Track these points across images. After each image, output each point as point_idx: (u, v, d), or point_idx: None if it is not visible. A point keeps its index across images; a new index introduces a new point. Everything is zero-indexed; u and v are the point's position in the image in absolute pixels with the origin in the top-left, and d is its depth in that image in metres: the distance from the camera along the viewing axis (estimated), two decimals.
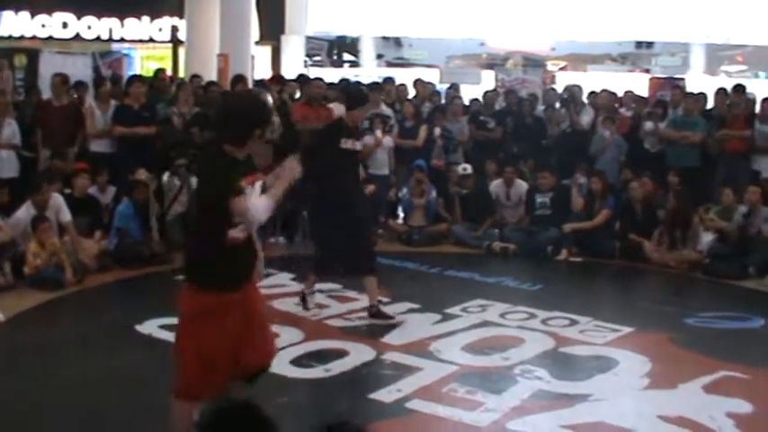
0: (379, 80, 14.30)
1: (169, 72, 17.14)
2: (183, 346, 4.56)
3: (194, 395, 4.42)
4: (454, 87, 14.40)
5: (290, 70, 17.70)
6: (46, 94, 12.26)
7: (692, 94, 12.82)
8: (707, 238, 10.57)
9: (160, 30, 20.05)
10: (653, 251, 10.43)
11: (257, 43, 19.18)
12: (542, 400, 6.04)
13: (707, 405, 5.95)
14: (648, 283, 10.21)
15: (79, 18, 19.57)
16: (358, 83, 13.62)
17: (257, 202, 4.44)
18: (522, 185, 11.52)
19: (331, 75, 16.75)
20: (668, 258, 10.36)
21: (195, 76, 13.44)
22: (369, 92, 12.37)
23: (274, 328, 7.30)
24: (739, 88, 12.34)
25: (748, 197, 10.23)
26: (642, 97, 13.45)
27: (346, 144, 7.70)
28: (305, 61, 20.75)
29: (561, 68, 20.05)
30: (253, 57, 17.82)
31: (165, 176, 10.70)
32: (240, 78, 12.39)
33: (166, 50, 19.43)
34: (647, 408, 5.95)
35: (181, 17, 18.09)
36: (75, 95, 12.01)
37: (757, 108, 12.10)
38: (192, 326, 4.53)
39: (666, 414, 5.77)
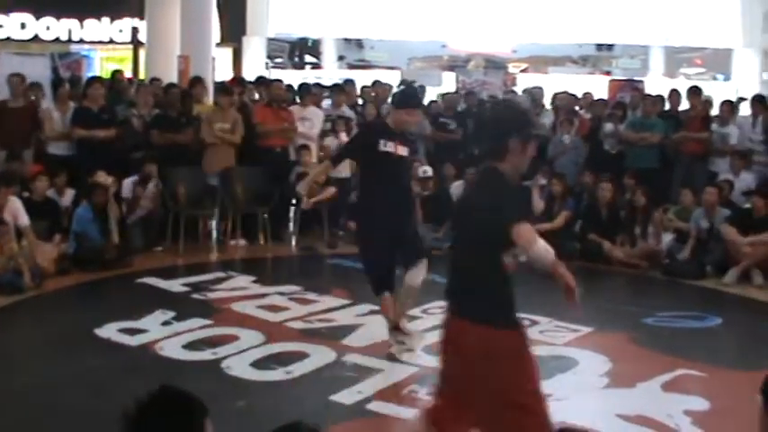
0: (341, 82, 14.29)
1: (130, 74, 17.06)
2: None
3: None
4: (420, 89, 14.43)
5: (252, 72, 17.66)
6: (3, 95, 12.12)
7: (650, 96, 12.94)
8: (666, 238, 10.67)
9: (120, 31, 19.94)
10: (613, 249, 10.50)
11: (218, 45, 19.08)
12: None
13: (665, 403, 6.01)
14: (608, 283, 10.27)
15: (38, 19, 19.42)
16: (318, 84, 13.66)
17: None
18: None
19: (292, 77, 16.73)
20: (630, 255, 10.44)
21: (155, 79, 13.36)
22: (330, 93, 12.48)
23: (234, 332, 7.37)
24: (695, 90, 12.46)
25: (706, 198, 10.34)
26: (602, 99, 13.55)
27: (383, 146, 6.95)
28: (266, 63, 20.72)
29: (522, 70, 20.18)
30: (213, 58, 17.74)
31: (127, 179, 10.64)
32: (198, 80, 12.36)
33: (127, 52, 19.31)
34: (606, 407, 5.99)
35: (141, 18, 17.99)
36: (33, 97, 11.89)
37: (715, 110, 12.26)
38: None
39: (625, 413, 5.81)
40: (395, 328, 7.02)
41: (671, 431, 5.58)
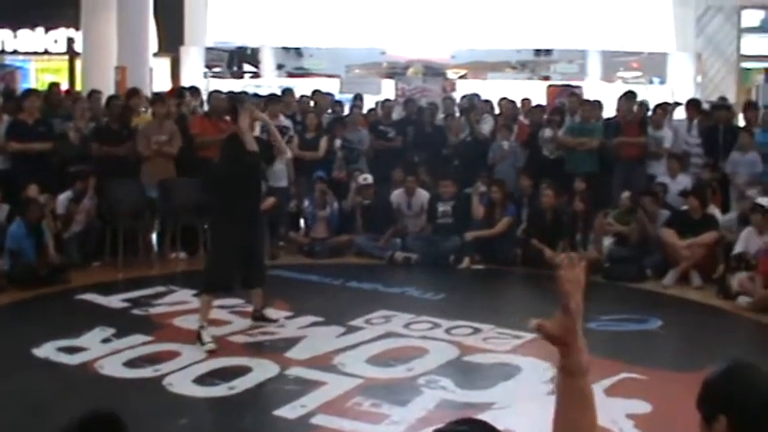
0: (278, 91, 14.21)
1: (66, 85, 16.83)
2: None
3: None
4: (358, 97, 14.43)
5: (190, 81, 17.49)
6: None
7: (588, 101, 13.05)
8: (606, 242, 10.76)
9: (55, 41, 19.69)
10: (554, 257, 10.55)
11: (156, 55, 18.91)
12: (447, 410, 6.03)
13: (608, 408, 6.00)
14: (550, 288, 10.12)
15: None
16: (255, 94, 13.59)
17: None
18: (423, 195, 11.54)
19: (231, 86, 16.63)
20: None
21: (95, 91, 13.14)
22: (267, 103, 12.38)
23: (176, 347, 7.28)
24: (630, 95, 12.60)
25: (644, 206, 10.46)
26: (540, 105, 13.64)
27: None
28: (205, 72, 20.55)
29: (461, 76, 20.24)
30: (151, 69, 17.58)
31: (62, 194, 10.46)
32: (135, 92, 12.21)
33: (62, 62, 19.08)
34: (550, 414, 5.94)
35: (77, 29, 17.79)
36: None
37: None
38: None
39: None
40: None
41: None
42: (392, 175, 11.86)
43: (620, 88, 15.43)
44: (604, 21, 21.02)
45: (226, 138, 8.15)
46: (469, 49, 21.00)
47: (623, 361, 7.03)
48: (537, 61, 21.40)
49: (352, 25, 21.01)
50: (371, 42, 20.95)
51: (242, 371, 6.77)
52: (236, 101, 8.73)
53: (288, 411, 5.96)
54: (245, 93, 13.08)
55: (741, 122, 12.70)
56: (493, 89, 16.43)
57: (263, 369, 6.82)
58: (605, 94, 14.50)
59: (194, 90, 13.12)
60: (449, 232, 11.12)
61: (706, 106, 13.60)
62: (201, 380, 6.59)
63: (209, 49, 20.99)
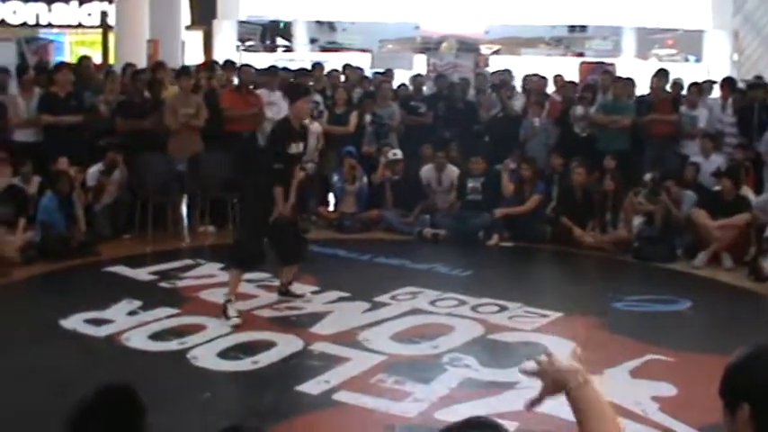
0: (310, 65, 14.18)
1: (100, 58, 16.89)
2: None
3: None
4: (387, 72, 14.36)
5: (223, 55, 17.51)
6: None
7: (620, 78, 12.91)
8: (637, 221, 10.66)
9: (89, 15, 19.71)
10: (584, 236, 10.48)
11: (188, 28, 18.96)
12: (471, 388, 6.04)
13: (633, 389, 5.99)
14: (578, 267, 10.27)
15: (4, 2, 19.18)
16: (285, 68, 13.56)
17: None
18: (453, 171, 11.49)
19: (264, 60, 16.59)
20: (601, 240, 10.44)
21: (129, 65, 13.16)
22: (296, 77, 12.36)
23: (202, 321, 7.30)
24: (662, 73, 12.44)
25: (668, 188, 10.36)
26: (572, 82, 13.51)
27: (294, 149, 7.65)
28: (237, 46, 20.56)
29: (495, 52, 20.12)
30: (183, 42, 17.61)
31: (92, 167, 10.51)
32: (160, 65, 12.26)
33: (96, 36, 19.13)
34: None
35: (110, 2, 17.81)
36: None
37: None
38: None
39: None
40: None
41: (639, 418, 5.55)
42: (421, 150, 11.81)
43: (654, 66, 15.27)
44: None
45: (280, 120, 8.12)
46: (503, 24, 20.88)
47: (650, 342, 6.99)
48: (571, 38, 21.25)
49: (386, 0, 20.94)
50: (405, 17, 20.86)
51: (266, 345, 6.79)
52: (298, 88, 8.54)
53: (311, 387, 5.97)
54: (274, 67, 12.99)
55: None
56: (526, 65, 16.32)
57: (288, 344, 6.83)
58: (640, 72, 14.33)
59: (228, 64, 13.12)
60: (478, 209, 11.05)
61: (741, 85, 13.41)
62: (226, 354, 6.62)
63: (241, 23, 21.00)
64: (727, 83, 12.58)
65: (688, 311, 8.21)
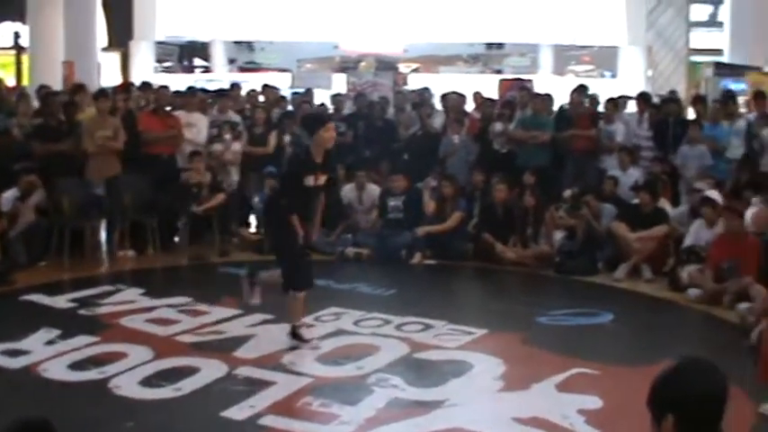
0: (226, 87, 14.08)
1: (13, 80, 16.54)
2: None
3: None
4: (307, 92, 14.31)
5: (141, 77, 17.29)
6: None
7: (539, 94, 13.06)
8: (558, 236, 10.77)
9: (1, 36, 19.31)
10: (506, 251, 10.54)
11: (105, 49, 18.70)
12: (398, 408, 5.99)
13: (560, 403, 6.02)
14: (502, 283, 10.33)
15: None
16: (204, 89, 13.44)
17: None
18: (374, 189, 11.49)
19: (182, 81, 16.42)
20: (522, 256, 10.51)
21: (43, 87, 12.90)
22: (215, 98, 12.25)
23: (122, 348, 7.13)
24: (581, 88, 12.62)
25: (587, 203, 10.49)
26: (491, 99, 13.61)
27: (309, 181, 7.29)
28: (155, 67, 20.34)
29: (414, 70, 20.22)
30: (99, 64, 17.36)
31: (7, 192, 10.25)
32: (80, 87, 12.01)
33: (9, 57, 18.76)
34: (501, 410, 5.98)
35: (23, 23, 17.48)
36: None
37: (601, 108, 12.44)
38: None
39: (520, 416, 5.81)
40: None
41: (565, 431, 5.57)
42: (339, 171, 11.78)
43: (571, 82, 15.47)
44: (556, 15, 21.12)
45: (298, 152, 8.29)
46: (422, 42, 20.99)
47: (575, 356, 7.03)
48: (489, 55, 21.47)
49: (305, 19, 20.90)
50: (324, 36, 20.85)
51: (189, 371, 6.64)
52: (316, 118, 8.40)
53: (236, 412, 5.86)
54: (192, 88, 12.86)
55: (691, 116, 12.78)
56: (445, 82, 16.43)
57: (212, 369, 6.69)
58: (557, 88, 14.53)
59: (144, 85, 12.93)
60: (400, 227, 11.06)
61: (656, 100, 13.67)
62: (148, 381, 6.46)
63: (159, 44, 20.79)
64: (643, 98, 12.82)
65: (610, 324, 8.30)
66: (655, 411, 2.39)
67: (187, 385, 6.37)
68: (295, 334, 7.36)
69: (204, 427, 5.74)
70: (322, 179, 7.36)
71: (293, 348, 7.23)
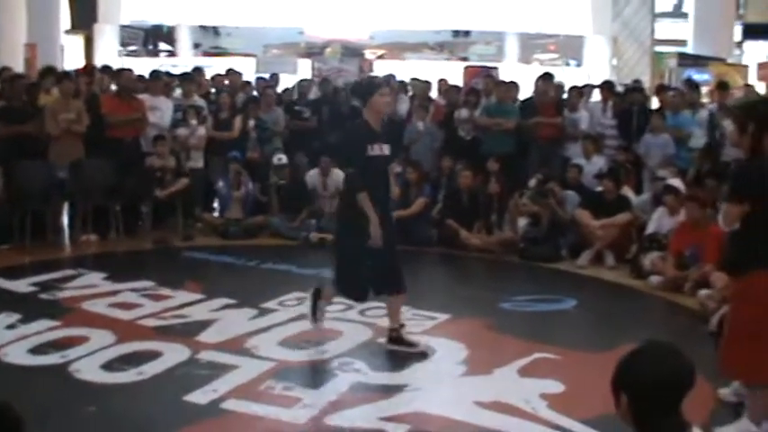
0: (190, 70, 13.99)
1: None
2: None
3: None
4: (272, 77, 14.27)
5: (105, 60, 17.15)
6: None
7: (503, 81, 13.10)
8: (522, 222, 10.82)
9: None
10: (470, 237, 10.57)
11: (68, 32, 18.52)
12: (360, 392, 5.99)
13: (521, 388, 6.05)
14: (466, 269, 10.36)
15: None
16: (168, 73, 13.34)
17: None
18: (338, 175, 11.44)
19: (147, 65, 16.30)
20: (487, 242, 10.55)
21: (5, 69, 12.73)
22: (180, 82, 12.16)
23: (84, 332, 7.08)
24: (547, 76, 12.67)
25: (552, 191, 10.54)
26: (456, 86, 13.64)
27: (374, 150, 6.64)
28: (119, 51, 20.18)
29: (379, 57, 20.22)
30: (63, 47, 17.18)
31: None
32: (50, 70, 11.88)
33: None
34: (463, 394, 5.99)
35: None
36: None
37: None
38: None
39: (482, 399, 5.82)
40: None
41: (528, 415, 5.61)
42: (302, 156, 11.76)
43: (537, 70, 15.54)
44: (522, 3, 21.18)
45: (353, 124, 7.32)
46: (388, 29, 20.99)
47: (537, 341, 7.07)
48: (455, 42, 21.51)
49: (271, 4, 20.82)
50: (290, 22, 20.79)
51: (152, 355, 6.60)
52: (368, 84, 7.39)
53: (198, 396, 5.83)
54: (157, 71, 12.75)
55: (654, 105, 12.88)
56: (411, 69, 16.44)
57: (174, 353, 6.65)
58: (523, 76, 14.58)
59: (105, 69, 12.81)
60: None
61: (620, 89, 13.76)
62: (110, 366, 6.40)
63: (123, 27, 20.62)
64: (606, 86, 12.90)
65: (573, 310, 8.36)
66: (613, 391, 2.50)
67: (149, 369, 6.33)
68: (401, 340, 6.81)
69: (166, 411, 5.70)
70: (386, 149, 6.74)
71: (256, 332, 7.21)
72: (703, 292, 8.27)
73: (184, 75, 12.97)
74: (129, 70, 12.30)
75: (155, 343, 6.92)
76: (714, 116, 11.54)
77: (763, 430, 5.27)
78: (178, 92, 12.37)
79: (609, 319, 8.17)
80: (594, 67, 20.06)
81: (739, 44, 21.77)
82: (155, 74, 12.33)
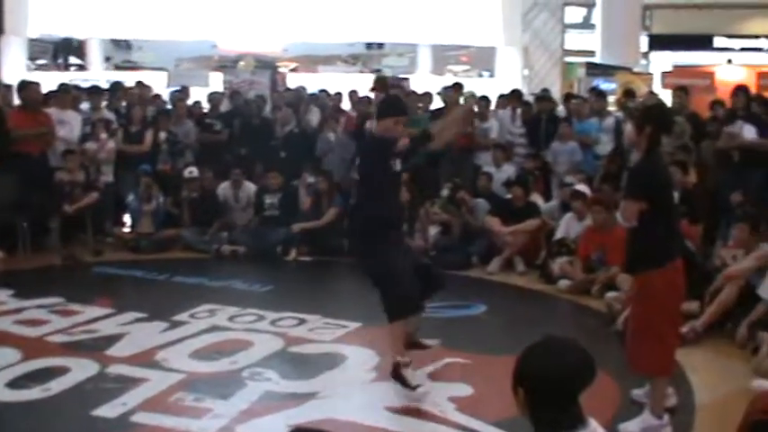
0: (100, 84, 13.83)
1: None
2: None
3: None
4: (184, 90, 14.18)
5: (11, 74, 16.82)
6: None
7: (414, 92, 13.22)
8: (433, 231, 10.93)
9: None
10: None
11: None
12: (271, 401, 6.01)
13: (431, 392, 6.10)
14: None
15: None
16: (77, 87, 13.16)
17: None
18: (250, 187, 11.48)
19: (56, 79, 16.02)
20: None
21: None
22: (89, 96, 12.01)
23: None
24: (457, 86, 12.82)
25: (462, 199, 10.68)
26: (367, 97, 13.71)
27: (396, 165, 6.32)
28: (27, 65, 19.80)
29: (293, 69, 20.22)
30: None
31: None
32: None
33: None
34: (374, 400, 6.04)
35: None
36: None
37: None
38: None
39: (393, 405, 5.89)
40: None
41: (437, 418, 5.69)
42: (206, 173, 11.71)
43: (450, 81, 15.70)
44: (435, 15, 21.35)
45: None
46: (302, 42, 20.99)
47: (447, 346, 7.12)
48: (368, 54, 21.64)
49: (184, 18, 20.64)
50: (202, 35, 20.65)
51: (60, 371, 6.51)
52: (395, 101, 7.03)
53: (107, 410, 5.78)
54: (65, 85, 12.57)
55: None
56: (324, 82, 16.48)
57: (82, 368, 6.58)
58: (436, 87, 14.71)
59: (6, 87, 12.63)
60: (276, 224, 11.08)
61: (530, 98, 13.97)
62: (15, 383, 6.30)
63: (32, 41, 20.23)
64: (514, 95, 13.11)
65: (483, 315, 8.48)
66: (512, 385, 2.53)
67: (56, 386, 6.25)
68: (398, 374, 6.08)
69: (74, 427, 5.65)
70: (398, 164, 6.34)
71: (166, 345, 7.16)
72: (610, 294, 8.45)
73: (93, 88, 12.81)
74: (36, 83, 12.09)
75: (62, 359, 6.83)
76: (620, 123, 11.80)
77: (664, 423, 5.42)
78: (86, 105, 12.21)
79: (518, 323, 8.28)
80: (506, 78, 20.32)
81: (645, 54, 22.30)
82: (63, 87, 12.15)
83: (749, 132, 10.56)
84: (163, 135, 11.89)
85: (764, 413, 4.67)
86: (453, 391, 6.15)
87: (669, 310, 5.41)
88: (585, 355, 2.53)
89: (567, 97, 13.58)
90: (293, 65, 20.72)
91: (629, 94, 12.80)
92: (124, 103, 12.88)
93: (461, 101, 12.76)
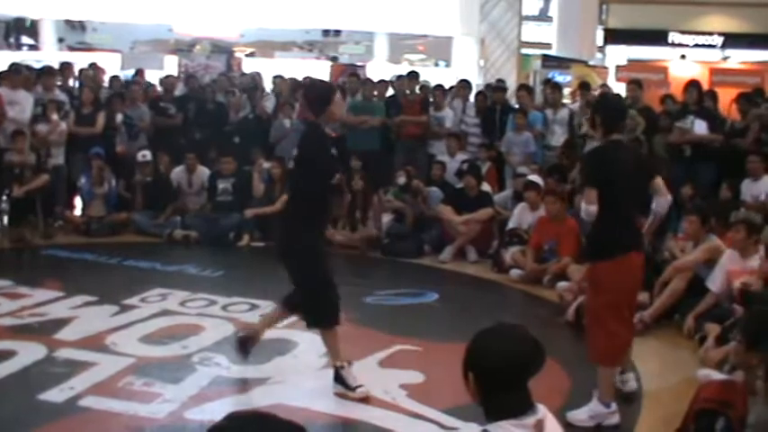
0: (53, 65, 13.63)
1: None
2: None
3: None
4: (138, 72, 14.06)
5: None
6: None
7: (369, 80, 13.23)
8: (386, 218, 10.96)
9: None
10: (334, 234, 10.62)
11: None
12: (221, 386, 6.00)
13: (382, 379, 6.15)
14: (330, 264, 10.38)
15: None
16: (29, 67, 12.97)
17: None
18: (203, 172, 11.41)
19: (8, 58, 15.79)
20: (351, 238, 10.62)
21: None
22: (40, 76, 11.84)
23: None
24: (412, 75, 12.85)
25: (416, 188, 10.71)
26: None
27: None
28: None
29: (249, 54, 20.12)
30: None
31: None
32: None
33: None
34: (324, 386, 6.03)
35: None
36: None
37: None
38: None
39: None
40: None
41: (388, 405, 5.72)
42: (162, 157, 11.62)
43: (406, 70, 15.72)
44: (392, 4, 21.31)
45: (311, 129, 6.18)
46: (258, 27, 20.87)
47: (398, 334, 7.18)
48: (325, 42, 21.59)
49: (140, 0, 20.40)
50: (159, 19, 20.44)
51: (6, 355, 6.43)
52: (332, 88, 6.47)
53: (55, 394, 5.73)
54: (17, 64, 12.38)
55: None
56: (280, 68, 16.42)
57: (30, 352, 6.51)
58: (392, 76, 14.73)
59: None
60: (229, 210, 11.04)
61: (483, 88, 14.03)
62: None
63: None
64: (464, 84, 13.15)
65: (435, 303, 8.51)
66: (463, 370, 2.58)
67: (2, 369, 6.17)
68: (338, 376, 5.96)
69: (20, 411, 5.57)
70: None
71: (116, 329, 7.11)
72: (561, 284, 8.55)
73: (45, 68, 12.63)
74: None
75: (9, 342, 6.76)
76: (575, 115, 11.90)
77: (612, 410, 5.49)
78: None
79: (469, 311, 8.30)
80: (463, 68, 20.36)
81: (601, 48, 22.51)
82: (14, 67, 11.97)
83: (700, 127, 10.72)
84: (120, 117, 11.77)
85: (709, 402, 4.75)
86: (404, 378, 6.17)
87: (617, 302, 5.41)
88: (535, 342, 2.59)
89: (521, 88, 13.64)
90: (249, 50, 20.61)
91: (585, 86, 12.90)
92: (77, 84, 12.74)
93: (417, 90, 12.80)
